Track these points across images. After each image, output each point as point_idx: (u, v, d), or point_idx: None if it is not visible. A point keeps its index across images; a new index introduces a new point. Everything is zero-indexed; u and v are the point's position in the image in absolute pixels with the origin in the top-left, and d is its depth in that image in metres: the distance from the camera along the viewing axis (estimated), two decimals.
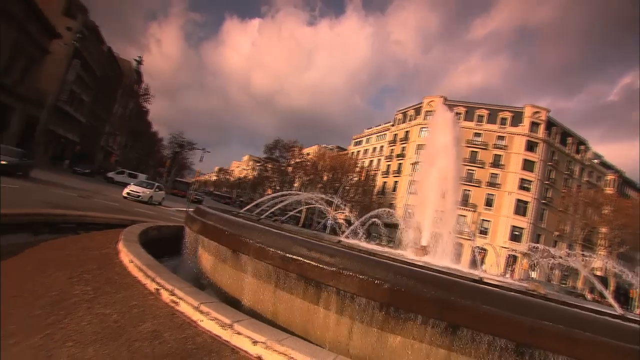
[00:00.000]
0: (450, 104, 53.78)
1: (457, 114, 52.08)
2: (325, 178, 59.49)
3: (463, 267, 8.01)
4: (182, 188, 42.95)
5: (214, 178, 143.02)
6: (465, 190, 50.51)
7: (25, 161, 17.40)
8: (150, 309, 3.10)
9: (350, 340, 3.25)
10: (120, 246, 4.66)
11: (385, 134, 69.08)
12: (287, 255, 3.24)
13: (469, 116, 55.83)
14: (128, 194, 20.21)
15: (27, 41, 33.50)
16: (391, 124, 68.71)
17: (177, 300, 3.10)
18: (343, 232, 9.78)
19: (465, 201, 50.39)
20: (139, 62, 61.40)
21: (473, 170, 53.20)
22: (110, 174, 35.89)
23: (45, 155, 39.21)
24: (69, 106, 43.29)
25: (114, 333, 2.72)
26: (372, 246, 8.07)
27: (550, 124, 54.43)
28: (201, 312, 2.86)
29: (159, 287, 3.34)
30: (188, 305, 3.00)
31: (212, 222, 4.24)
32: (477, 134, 55.15)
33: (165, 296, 3.23)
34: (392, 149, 64.49)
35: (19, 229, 6.43)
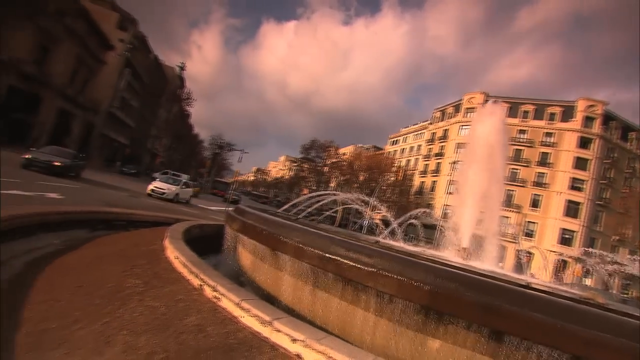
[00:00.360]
0: (492, 100, 51.31)
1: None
2: (361, 178, 59.13)
3: (507, 271, 7.62)
4: (222, 188, 44.65)
5: (252, 178, 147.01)
6: (508, 190, 47.96)
7: (76, 162, 18.05)
8: (194, 304, 3.25)
9: (388, 342, 3.21)
10: (166, 243, 4.92)
11: (422, 133, 67.36)
12: (326, 255, 3.26)
13: (512, 112, 52.80)
14: (152, 190, 18.74)
15: (87, 54, 36.68)
16: (429, 122, 66.87)
17: (219, 296, 3.22)
18: (380, 233, 9.65)
19: (509, 202, 47.83)
20: (182, 68, 64.57)
21: (517, 169, 50.37)
22: (155, 174, 38.04)
23: (100, 158, 42.31)
24: (120, 112, 46.51)
25: (163, 325, 2.88)
26: (410, 247, 7.90)
27: (607, 118, 50.09)
28: (242, 308, 2.95)
29: (202, 283, 3.49)
30: (229, 302, 3.10)
31: (251, 221, 4.36)
32: (522, 131, 52.09)
33: (208, 292, 3.37)
34: (430, 148, 62.76)
35: (80, 225, 7.01)
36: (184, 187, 21.17)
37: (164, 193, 18.74)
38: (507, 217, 46.37)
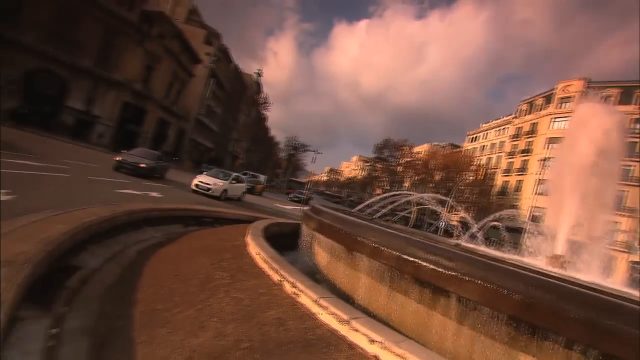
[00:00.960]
0: (595, 86, 44.63)
1: (607, 97, 42.65)
2: (437, 177, 56.30)
3: (616, 285, 6.54)
4: (297, 188, 46.38)
5: (325, 178, 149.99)
6: (619, 190, 41.13)
7: (161, 164, 18.39)
8: (275, 298, 3.43)
9: (471, 352, 3.00)
10: (248, 239, 5.28)
11: (506, 128, 61.50)
12: (403, 256, 3.18)
13: (625, 98, 44.91)
14: (196, 186, 16.25)
15: (180, 69, 41.60)
16: (513, 116, 60.77)
17: (298, 293, 3.35)
18: (458, 235, 9.10)
19: (619, 204, 41.05)
20: (259, 75, 68.66)
21: (630, 165, 42.93)
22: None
23: (190, 160, 47.22)
24: (206, 118, 51.32)
25: (247, 315, 3.10)
26: (493, 252, 7.28)
27: None
28: (320, 305, 3.03)
29: (282, 279, 3.67)
30: (308, 298, 3.20)
31: (327, 221, 4.45)
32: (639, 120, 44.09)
33: (288, 287, 3.53)
34: (514, 144, 56.97)
35: (175, 220, 7.92)
36: (233, 182, 18.24)
37: (209, 189, 15.99)
38: (617, 222, 39.91)
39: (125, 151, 17.47)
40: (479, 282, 2.71)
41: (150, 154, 18.24)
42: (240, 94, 63.32)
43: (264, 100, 67.27)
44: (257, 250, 4.56)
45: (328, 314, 2.92)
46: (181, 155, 38.59)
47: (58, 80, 29.77)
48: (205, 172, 18.43)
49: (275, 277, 3.79)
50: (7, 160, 9.80)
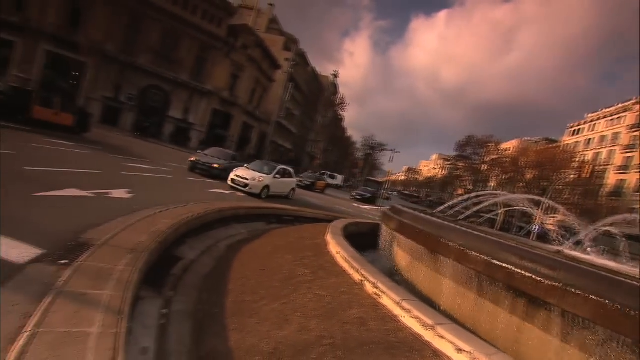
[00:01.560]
0: None
1: None
2: (528, 176, 50.55)
3: None
4: (374, 187, 45.50)
5: (402, 178, 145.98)
6: None
7: (234, 164, 17.78)
8: (356, 298, 3.44)
9: None
10: (328, 238, 5.39)
11: (622, 117, 52.27)
12: (494, 261, 2.93)
13: None
14: (232, 181, 13.32)
15: (262, 76, 44.72)
16: (634, 101, 51.30)
17: (380, 294, 3.31)
18: (557, 241, 8.06)
19: None
20: (335, 76, 69.64)
21: None
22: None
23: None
24: (285, 121, 53.99)
25: (329, 313, 3.17)
26: (605, 262, 6.27)
27: None
28: (402, 308, 2.95)
29: (362, 279, 3.67)
30: (390, 300, 3.15)
31: (409, 221, 4.32)
32: None
33: (369, 288, 3.51)
34: (635, 136, 48.08)
35: (259, 218, 8.48)
36: (278, 176, 14.57)
37: (246, 185, 12.88)
38: None
39: (199, 152, 17.07)
40: (591, 296, 2.36)
41: (224, 154, 17.28)
42: (318, 96, 65.11)
43: (340, 101, 68.08)
44: (337, 249, 4.63)
45: (411, 318, 2.83)
46: (263, 157, 41.21)
47: (163, 94, 35.14)
48: (246, 165, 14.93)
49: (356, 277, 3.81)
50: (128, 165, 11.63)
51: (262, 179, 13.32)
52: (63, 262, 3.07)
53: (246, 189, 12.79)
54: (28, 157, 8.26)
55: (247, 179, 12.97)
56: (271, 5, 57.35)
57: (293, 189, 16.54)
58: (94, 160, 10.99)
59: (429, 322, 2.68)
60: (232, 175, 13.44)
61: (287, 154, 59.17)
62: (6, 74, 26.48)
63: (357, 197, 31.28)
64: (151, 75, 33.63)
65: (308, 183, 26.15)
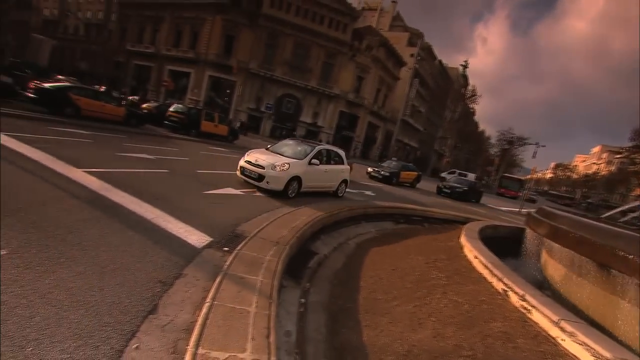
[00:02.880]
0: None
1: None
2: None
3: None
4: (512, 186, 39.49)
5: (549, 176, 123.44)
6: None
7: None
8: (499, 309, 3.08)
9: None
10: (463, 241, 4.98)
11: None
12: None
13: None
14: (242, 170, 8.13)
15: (387, 75, 44.68)
16: None
17: (529, 308, 2.87)
18: None
19: None
20: (465, 67, 63.88)
21: None
22: (443, 174, 39.42)
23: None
24: (411, 118, 52.29)
25: (467, 322, 2.92)
26: None
27: None
28: (562, 329, 2.49)
29: (506, 289, 3.25)
30: (543, 317, 2.70)
31: (565, 227, 3.62)
32: None
33: (515, 299, 3.09)
34: None
35: (387, 217, 8.46)
36: (316, 162, 8.50)
37: (261, 176, 7.70)
38: None
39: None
40: None
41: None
42: (445, 90, 60.91)
43: (471, 94, 62.11)
44: (475, 254, 4.24)
45: (577, 344, 2.36)
46: (388, 156, 40.94)
47: (296, 101, 39.10)
48: (268, 147, 9.44)
49: (498, 285, 3.41)
50: None
51: (286, 166, 7.83)
52: (226, 249, 3.70)
53: (261, 183, 7.73)
54: (196, 162, 10.26)
55: (262, 167, 7.83)
56: (394, 2, 56.54)
57: (344, 182, 10.09)
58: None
59: (607, 355, 2.15)
60: (241, 162, 8.43)
61: (413, 153, 57.23)
62: (184, 98, 36.54)
63: (445, 192, 19.91)
64: (285, 85, 37.93)
65: (387, 174, 18.64)
